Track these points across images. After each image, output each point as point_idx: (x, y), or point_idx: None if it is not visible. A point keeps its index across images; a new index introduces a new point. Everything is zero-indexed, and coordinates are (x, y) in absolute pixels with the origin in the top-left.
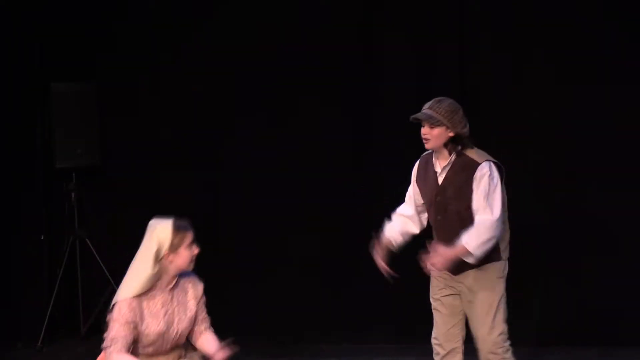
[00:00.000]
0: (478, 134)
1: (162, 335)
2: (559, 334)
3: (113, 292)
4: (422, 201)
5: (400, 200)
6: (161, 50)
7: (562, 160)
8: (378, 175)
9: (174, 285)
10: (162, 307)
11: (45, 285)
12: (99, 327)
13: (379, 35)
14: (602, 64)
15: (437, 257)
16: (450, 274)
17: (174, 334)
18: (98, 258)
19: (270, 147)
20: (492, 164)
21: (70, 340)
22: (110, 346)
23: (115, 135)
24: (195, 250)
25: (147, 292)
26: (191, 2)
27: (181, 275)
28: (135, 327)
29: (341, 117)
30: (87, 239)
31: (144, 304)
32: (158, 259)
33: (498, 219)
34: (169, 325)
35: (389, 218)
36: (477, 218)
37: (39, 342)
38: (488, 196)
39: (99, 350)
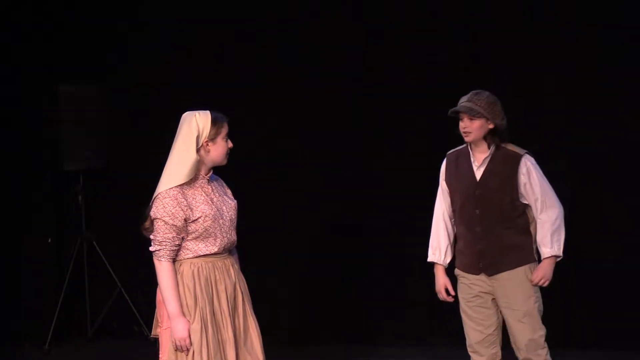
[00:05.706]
0: None
1: (217, 220)
2: (563, 337)
3: (120, 294)
4: (450, 200)
5: (402, 199)
6: (169, 53)
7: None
8: (382, 174)
9: (209, 179)
10: (207, 195)
11: (53, 287)
12: (106, 329)
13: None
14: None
15: (542, 279)
16: (482, 278)
17: (228, 221)
18: (105, 260)
19: (274, 148)
20: (530, 156)
21: (77, 342)
22: (159, 250)
23: (122, 137)
24: (230, 144)
25: (187, 182)
26: (200, 5)
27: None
28: (185, 221)
29: (340, 116)
30: (94, 241)
31: (189, 192)
32: (198, 146)
33: (561, 208)
34: (220, 210)
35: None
36: (545, 216)
37: (46, 344)
38: (543, 190)
39: (106, 352)
